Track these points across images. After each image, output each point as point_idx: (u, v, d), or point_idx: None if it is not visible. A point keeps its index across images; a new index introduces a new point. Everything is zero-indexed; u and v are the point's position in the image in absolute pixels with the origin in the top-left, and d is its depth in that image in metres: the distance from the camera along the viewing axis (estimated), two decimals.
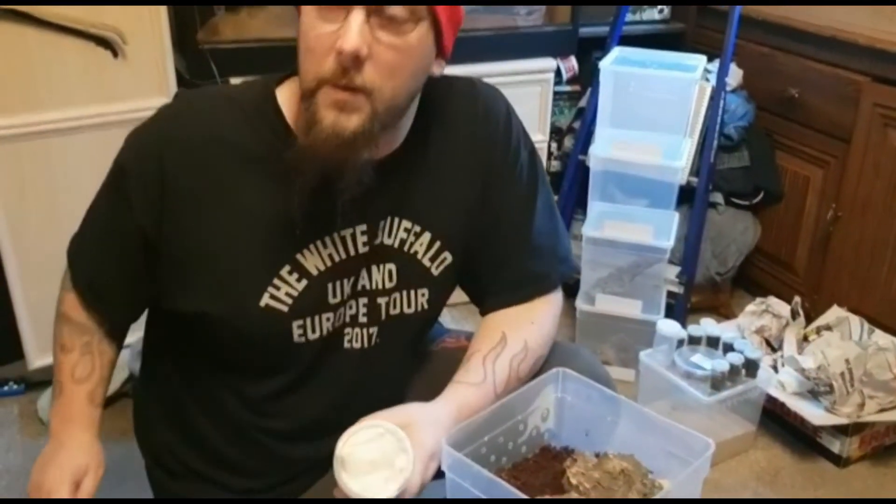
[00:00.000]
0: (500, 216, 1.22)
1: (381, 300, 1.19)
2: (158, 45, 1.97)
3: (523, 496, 1.01)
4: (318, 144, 1.00)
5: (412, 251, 1.18)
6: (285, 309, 1.12)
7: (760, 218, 2.71)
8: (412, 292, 1.20)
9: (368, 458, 0.99)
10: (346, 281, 1.15)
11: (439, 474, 1.05)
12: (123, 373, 2.13)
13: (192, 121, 1.11)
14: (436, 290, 1.22)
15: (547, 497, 1.09)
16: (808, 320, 2.32)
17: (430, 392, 1.13)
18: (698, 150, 2.46)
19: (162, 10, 1.95)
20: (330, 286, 1.14)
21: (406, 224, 1.17)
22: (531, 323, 1.22)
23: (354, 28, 0.95)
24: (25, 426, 2.12)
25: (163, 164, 1.08)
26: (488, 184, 1.21)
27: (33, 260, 1.99)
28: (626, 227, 2.32)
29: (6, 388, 2.21)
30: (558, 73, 2.59)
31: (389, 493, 0.97)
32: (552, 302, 1.27)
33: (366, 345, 1.20)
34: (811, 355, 2.10)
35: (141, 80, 1.96)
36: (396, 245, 1.17)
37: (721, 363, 1.98)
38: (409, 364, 1.30)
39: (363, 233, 1.14)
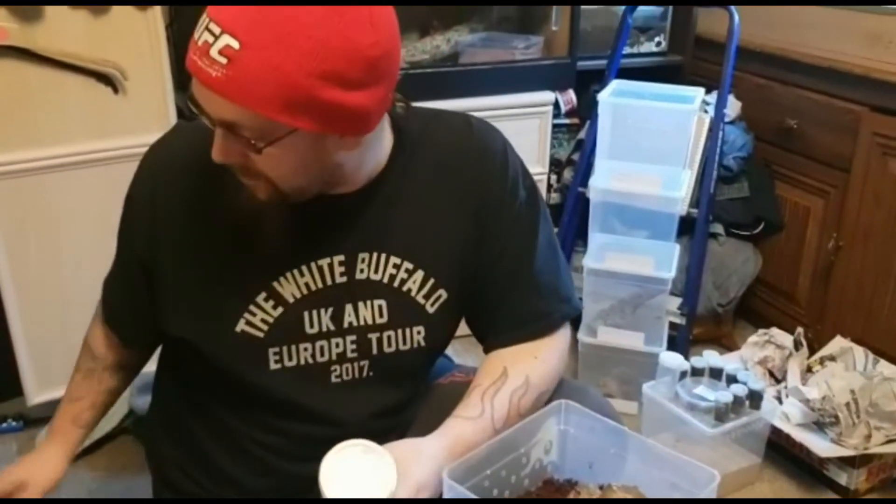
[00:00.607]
0: (500, 253, 1.21)
1: (372, 336, 1.18)
2: (159, 81, 1.98)
3: None
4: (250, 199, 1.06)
5: (405, 289, 1.18)
6: (261, 335, 1.13)
7: (761, 248, 2.71)
8: (407, 330, 1.20)
9: (354, 472, 1.00)
10: (323, 311, 1.15)
11: None
12: (123, 409, 2.12)
13: (180, 148, 1.16)
14: (432, 327, 1.21)
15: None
16: (812, 351, 2.31)
17: (436, 425, 1.12)
18: (698, 181, 2.46)
19: (163, 46, 1.95)
20: (306, 315, 1.15)
21: (395, 260, 1.17)
22: (534, 358, 1.21)
23: (215, 142, 0.99)
24: None
25: (155, 190, 1.14)
26: (485, 220, 1.20)
27: (33, 296, 1.99)
28: (627, 259, 2.32)
29: (5, 424, 2.20)
30: (557, 105, 2.60)
31: None
32: (558, 338, 1.25)
33: (356, 376, 1.20)
34: (815, 386, 2.08)
35: (142, 116, 1.97)
36: (386, 280, 1.17)
37: (724, 395, 1.97)
38: (410, 395, 1.29)
39: (341, 263, 1.14)
